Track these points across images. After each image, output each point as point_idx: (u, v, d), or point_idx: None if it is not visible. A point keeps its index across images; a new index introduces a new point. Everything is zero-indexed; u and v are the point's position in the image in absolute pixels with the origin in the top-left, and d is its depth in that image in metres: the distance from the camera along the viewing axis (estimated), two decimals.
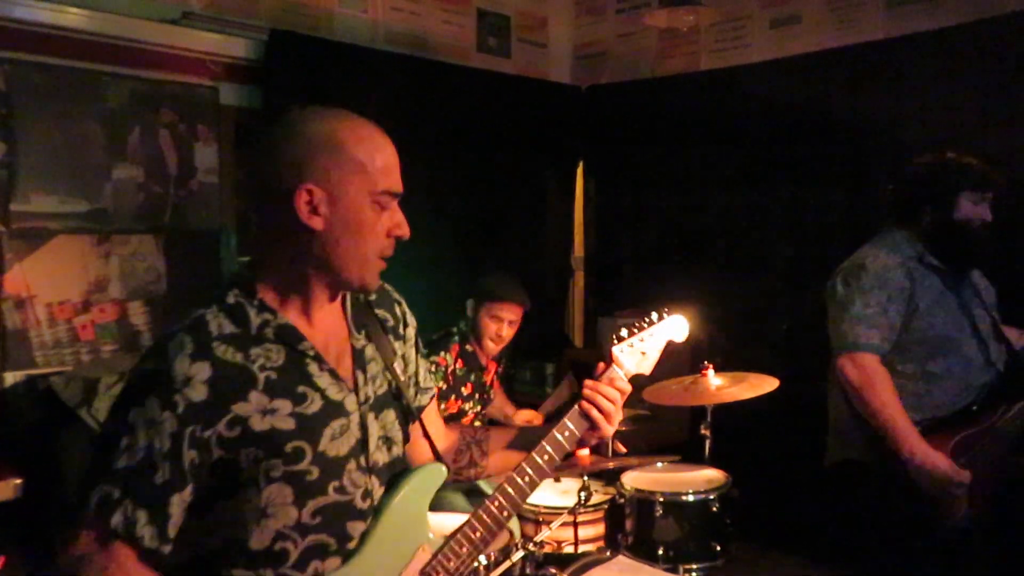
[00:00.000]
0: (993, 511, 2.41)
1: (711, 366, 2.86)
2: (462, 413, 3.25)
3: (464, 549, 1.44)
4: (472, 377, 3.25)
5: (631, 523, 2.69)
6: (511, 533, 1.95)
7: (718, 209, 4.33)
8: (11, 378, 3.07)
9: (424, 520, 1.45)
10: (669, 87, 4.45)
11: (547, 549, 2.55)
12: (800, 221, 4.02)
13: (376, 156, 1.35)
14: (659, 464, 2.93)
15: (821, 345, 3.10)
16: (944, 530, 2.36)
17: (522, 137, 4.52)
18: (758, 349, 3.96)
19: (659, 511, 2.61)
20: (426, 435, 1.57)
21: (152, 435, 1.24)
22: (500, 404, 3.53)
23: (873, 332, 2.45)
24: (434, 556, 1.43)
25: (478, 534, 1.46)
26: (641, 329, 1.67)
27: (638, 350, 1.65)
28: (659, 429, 3.37)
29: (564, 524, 2.54)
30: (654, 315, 1.71)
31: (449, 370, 3.16)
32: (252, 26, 3.60)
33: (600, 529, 2.81)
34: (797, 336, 3.99)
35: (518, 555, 2.09)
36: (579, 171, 4.97)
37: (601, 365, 1.61)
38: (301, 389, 1.33)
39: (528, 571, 2.13)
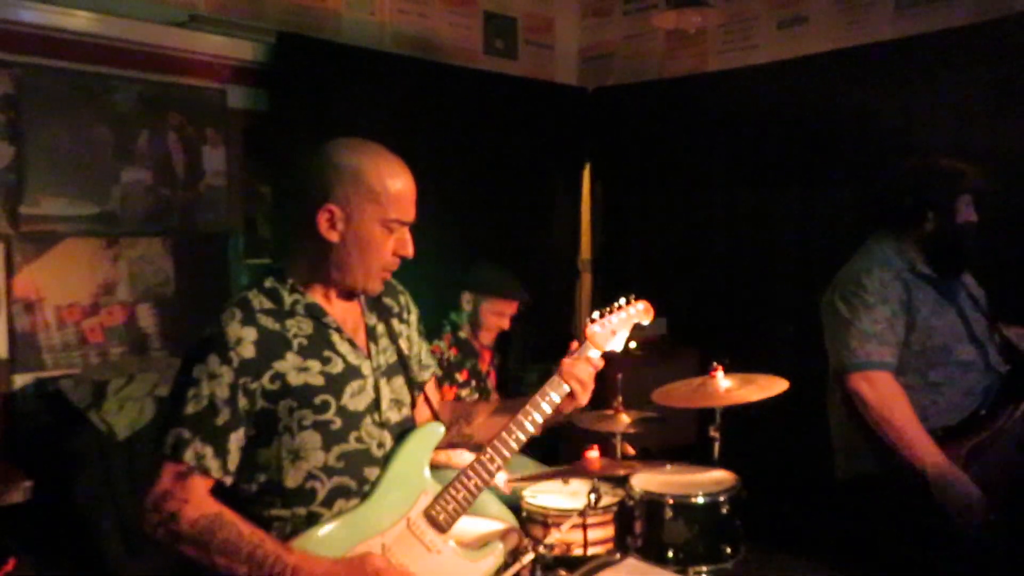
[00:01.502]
0: (1009, 514, 2.37)
1: (720, 368, 2.85)
2: (458, 399, 3.26)
3: (460, 495, 1.72)
4: (468, 364, 3.26)
5: (640, 525, 2.68)
6: (520, 536, 1.97)
7: (725, 211, 4.32)
8: (20, 380, 3.08)
9: (425, 470, 1.73)
10: (676, 88, 4.44)
11: (556, 552, 2.54)
12: (808, 222, 4.00)
13: (391, 188, 1.62)
14: (668, 466, 2.92)
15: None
16: (964, 539, 2.33)
17: (529, 139, 4.52)
18: (767, 350, 3.95)
19: (669, 513, 2.60)
20: (427, 402, 1.87)
21: (213, 385, 1.54)
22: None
23: (884, 349, 2.43)
24: (435, 500, 1.71)
25: (472, 482, 1.73)
26: (612, 312, 1.94)
27: (609, 329, 1.92)
28: (668, 431, 3.36)
29: (573, 527, 2.53)
30: (623, 300, 1.98)
31: (444, 357, 3.18)
32: (259, 28, 3.61)
33: (609, 531, 2.79)
34: (804, 337, 3.97)
35: (528, 558, 2.09)
36: (586, 173, 4.97)
37: (574, 344, 1.87)
38: (327, 353, 1.64)
39: (538, 574, 2.13)
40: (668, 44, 4.56)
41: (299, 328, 1.63)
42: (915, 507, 2.36)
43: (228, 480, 1.57)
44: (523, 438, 1.76)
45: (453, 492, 1.72)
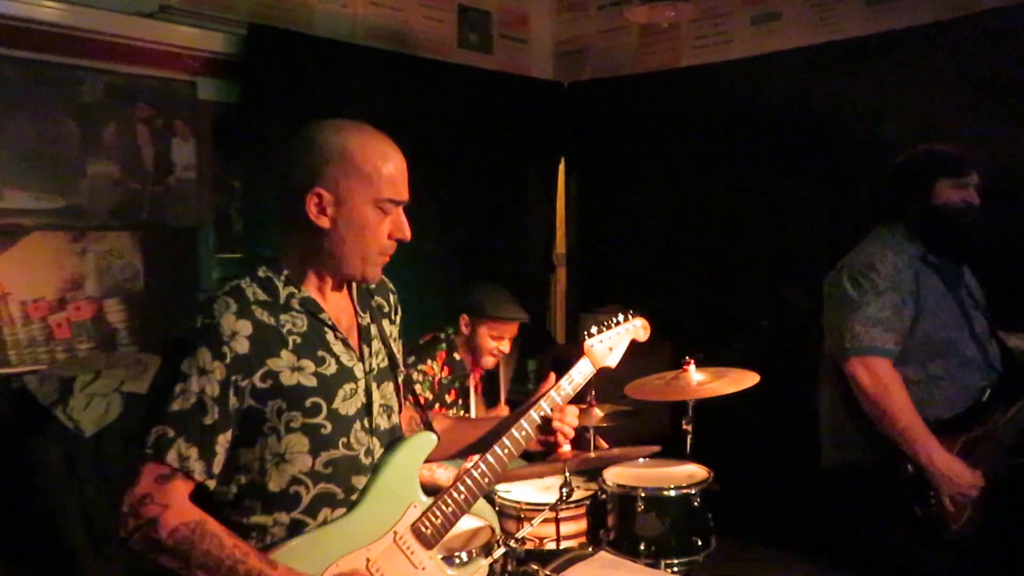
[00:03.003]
0: (992, 513, 2.36)
1: (692, 361, 2.86)
2: None
3: (449, 508, 1.66)
4: (457, 384, 3.22)
5: (613, 519, 2.69)
6: (492, 530, 1.96)
7: (699, 205, 4.34)
8: None
9: (415, 481, 1.65)
10: (651, 83, 4.46)
11: (529, 545, 2.55)
12: (781, 216, 4.03)
13: (383, 168, 1.54)
14: (640, 459, 2.93)
15: (801, 341, 3.11)
16: (948, 535, 2.35)
17: (504, 133, 4.51)
18: (739, 344, 3.97)
19: (641, 506, 2.62)
20: (418, 407, 1.80)
21: (204, 382, 1.42)
22: (476, 405, 3.51)
23: (888, 336, 2.39)
24: (423, 513, 1.63)
25: (462, 495, 1.67)
26: (609, 328, 1.94)
27: (606, 345, 1.94)
28: (641, 424, 3.37)
29: (546, 520, 2.54)
30: (620, 316, 1.98)
31: (436, 379, 3.09)
32: (230, 20, 3.56)
33: (582, 525, 2.80)
34: (778, 332, 4.01)
35: (500, 552, 2.09)
36: (561, 167, 4.97)
37: (551, 377, 1.88)
38: (320, 353, 1.54)
39: (510, 568, 2.13)
40: (643, 39, 4.57)
41: (294, 324, 1.53)
42: (901, 497, 2.37)
43: (212, 484, 1.46)
44: (516, 452, 1.75)
45: (443, 507, 1.65)
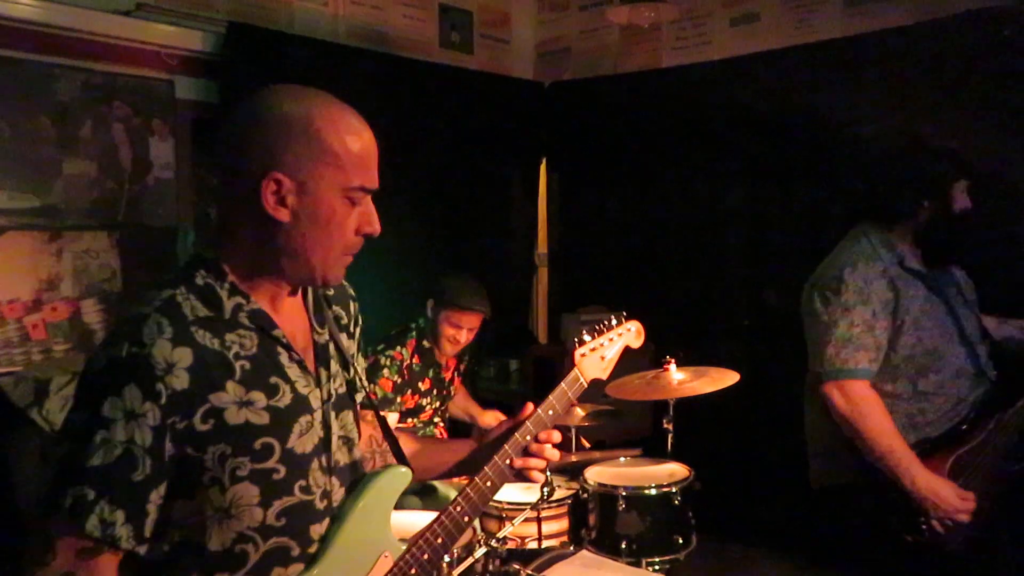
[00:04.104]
0: (994, 524, 2.28)
1: (673, 360, 2.88)
2: (420, 408, 3.24)
3: (426, 556, 1.40)
4: (430, 373, 3.24)
5: (594, 518, 2.70)
6: (474, 529, 1.95)
7: (680, 205, 4.37)
8: None
9: (387, 526, 1.39)
10: (631, 84, 4.47)
11: (510, 545, 2.55)
12: (760, 216, 4.06)
13: (353, 148, 1.26)
14: (622, 459, 2.95)
15: (781, 340, 3.13)
16: (942, 552, 2.25)
17: (485, 133, 4.51)
18: (719, 343, 4.00)
19: (622, 505, 2.63)
20: (387, 436, 1.51)
21: (132, 429, 1.14)
22: (463, 403, 3.51)
23: (860, 355, 2.27)
24: (396, 563, 1.38)
25: (440, 540, 1.43)
26: (601, 334, 1.72)
27: (598, 355, 1.70)
28: (622, 423, 3.39)
29: (527, 520, 2.54)
30: (613, 320, 1.75)
31: (405, 364, 3.15)
32: (209, 18, 3.53)
33: (564, 524, 2.81)
34: (757, 331, 4.04)
35: (481, 551, 2.09)
36: (543, 167, 4.97)
37: (529, 407, 1.57)
38: (273, 380, 1.26)
39: (491, 567, 2.13)
40: (623, 39, 4.58)
41: (242, 346, 1.24)
42: (891, 523, 2.27)
43: (142, 550, 1.17)
44: (499, 485, 1.51)
45: (418, 554, 1.40)
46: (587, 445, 3.24)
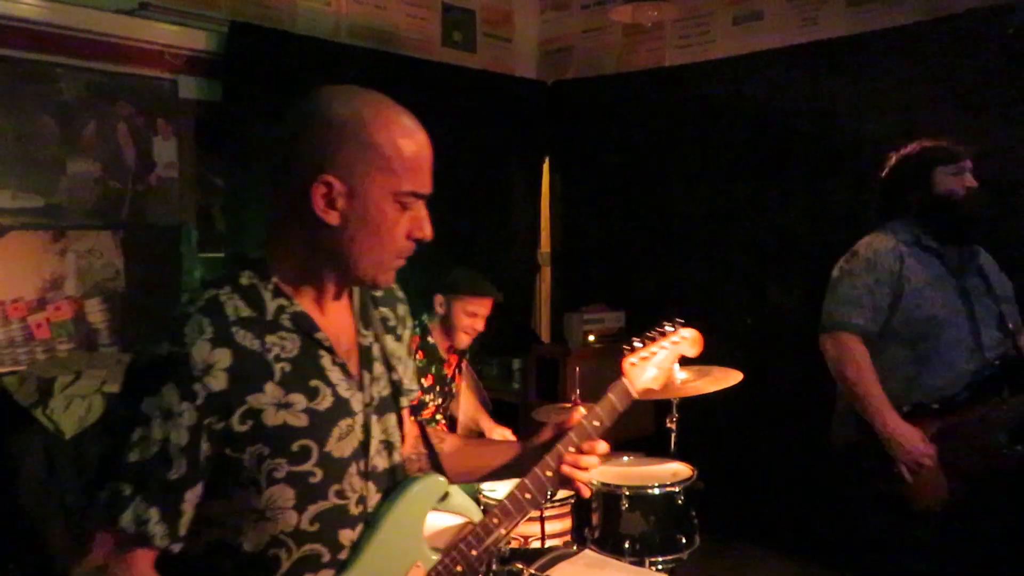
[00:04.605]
0: (977, 500, 2.37)
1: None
2: (422, 405, 3.24)
3: (460, 568, 1.38)
4: (432, 369, 3.24)
5: (597, 517, 2.70)
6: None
7: (683, 203, 4.36)
8: None
9: (420, 535, 1.36)
10: (634, 82, 4.47)
11: (514, 544, 2.55)
12: (764, 215, 4.06)
13: (405, 151, 1.25)
14: (625, 458, 2.95)
15: (784, 339, 3.12)
16: (920, 517, 2.39)
17: (488, 132, 4.51)
18: (722, 342, 3.99)
19: (625, 505, 2.63)
20: (426, 442, 1.50)
21: (168, 428, 1.15)
22: (474, 412, 3.50)
23: (856, 312, 2.50)
24: (428, 574, 1.36)
25: (474, 552, 1.39)
26: (653, 341, 1.62)
27: (650, 364, 1.60)
28: (626, 423, 3.38)
29: (530, 519, 2.54)
30: (667, 327, 1.65)
31: None
32: (212, 18, 3.54)
33: (567, 524, 2.81)
34: (760, 329, 4.03)
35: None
36: (545, 166, 4.97)
37: (579, 409, 1.54)
38: (314, 383, 1.25)
39: (494, 567, 2.12)
40: (626, 38, 4.58)
41: (283, 348, 1.23)
42: (870, 471, 2.45)
43: (176, 548, 1.19)
44: (539, 498, 1.46)
45: (450, 565, 1.37)
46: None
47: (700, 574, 2.91)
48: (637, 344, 1.59)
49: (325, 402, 1.26)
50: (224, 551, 1.24)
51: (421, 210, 1.31)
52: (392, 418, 1.40)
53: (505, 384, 4.62)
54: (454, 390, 3.42)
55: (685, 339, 1.66)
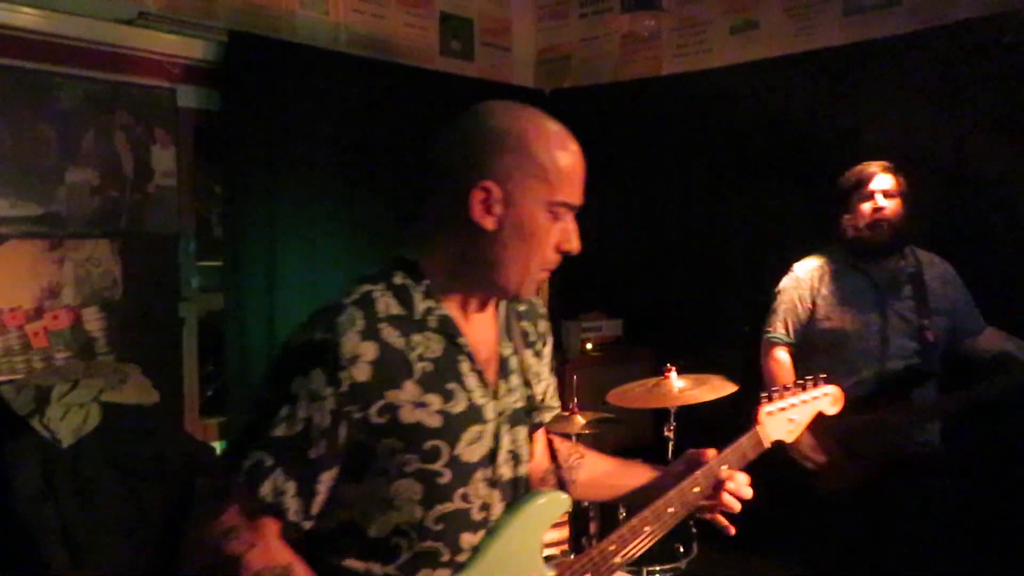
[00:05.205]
0: (879, 490, 2.62)
1: (674, 368, 2.88)
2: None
3: None
4: None
5: (595, 526, 2.70)
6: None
7: (680, 212, 4.37)
8: None
9: (538, 549, 1.38)
10: (632, 91, 4.48)
11: None
12: (761, 223, 4.06)
13: (562, 163, 1.31)
14: None
15: None
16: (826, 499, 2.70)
17: None
18: (720, 351, 3.99)
19: (623, 514, 2.62)
20: (554, 460, 1.54)
21: (313, 409, 1.21)
22: None
23: (779, 324, 2.91)
24: None
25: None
26: (793, 395, 1.65)
27: (786, 416, 1.66)
28: (624, 431, 3.38)
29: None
30: (809, 382, 1.69)
31: None
32: (210, 27, 3.54)
33: (564, 533, 2.80)
34: (758, 337, 4.03)
35: None
36: None
37: (710, 453, 1.58)
38: (451, 386, 1.30)
39: None
40: (624, 47, 4.59)
41: (426, 348, 1.28)
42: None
43: (307, 526, 1.24)
44: (657, 533, 1.49)
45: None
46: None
47: None
48: (773, 395, 1.63)
49: (459, 406, 1.30)
50: (351, 533, 1.29)
51: (571, 223, 1.35)
52: (523, 431, 1.43)
53: None
54: None
55: (827, 395, 1.69)
